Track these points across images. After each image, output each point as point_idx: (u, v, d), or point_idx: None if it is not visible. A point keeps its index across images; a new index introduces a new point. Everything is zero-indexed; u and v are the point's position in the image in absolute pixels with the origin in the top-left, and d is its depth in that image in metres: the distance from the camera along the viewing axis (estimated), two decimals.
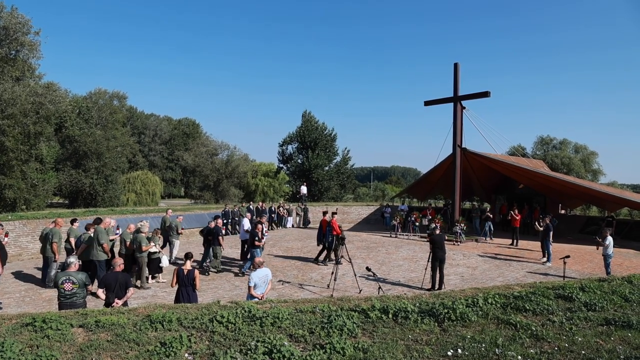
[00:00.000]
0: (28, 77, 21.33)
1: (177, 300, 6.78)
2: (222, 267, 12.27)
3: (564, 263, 10.86)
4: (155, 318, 4.38)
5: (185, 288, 6.77)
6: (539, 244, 14.03)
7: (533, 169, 19.28)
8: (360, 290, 9.70)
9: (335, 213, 13.99)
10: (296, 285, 10.57)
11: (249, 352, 3.72)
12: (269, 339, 3.92)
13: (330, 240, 12.69)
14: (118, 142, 33.00)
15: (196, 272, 6.89)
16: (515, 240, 16.84)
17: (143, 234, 10.31)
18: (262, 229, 11.62)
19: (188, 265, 6.98)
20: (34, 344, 3.79)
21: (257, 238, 11.27)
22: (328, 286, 10.13)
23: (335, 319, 4.44)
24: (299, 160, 37.90)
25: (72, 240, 10.66)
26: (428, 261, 10.32)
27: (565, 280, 8.36)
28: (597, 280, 6.49)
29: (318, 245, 13.42)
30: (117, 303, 6.25)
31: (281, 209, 22.56)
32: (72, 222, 11.22)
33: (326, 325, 4.32)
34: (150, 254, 10.63)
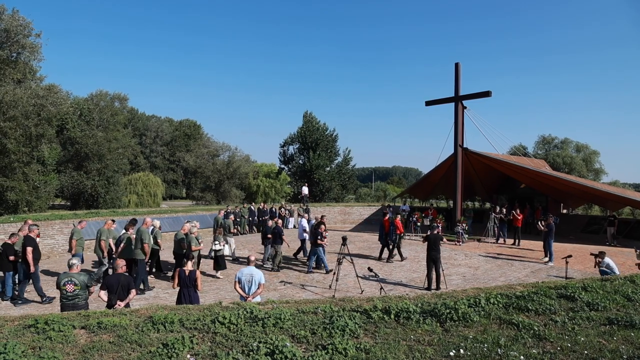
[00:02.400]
0: (29, 79, 21.32)
1: (179, 301, 6.78)
2: (281, 265, 12.56)
3: (566, 263, 10.85)
4: (157, 319, 4.38)
5: (187, 289, 6.77)
6: (540, 243, 13.99)
7: (535, 168, 19.24)
8: (362, 291, 9.70)
9: (399, 214, 15.13)
10: (298, 285, 10.58)
11: (251, 353, 3.72)
12: (271, 339, 3.92)
13: (394, 238, 13.59)
14: (119, 143, 32.92)
15: (197, 273, 6.90)
16: (517, 240, 16.81)
17: (193, 235, 10.77)
18: (325, 228, 12.22)
19: (189, 266, 6.99)
20: (36, 346, 3.80)
21: (320, 237, 11.77)
22: (330, 287, 10.13)
23: (337, 320, 4.44)
24: (300, 161, 37.89)
25: (111, 241, 11.00)
26: None
27: (568, 280, 8.35)
28: (600, 280, 6.47)
29: (381, 243, 14.36)
30: (119, 305, 6.25)
31: (282, 209, 22.56)
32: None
33: (328, 326, 4.32)
34: (215, 251, 11.38)
